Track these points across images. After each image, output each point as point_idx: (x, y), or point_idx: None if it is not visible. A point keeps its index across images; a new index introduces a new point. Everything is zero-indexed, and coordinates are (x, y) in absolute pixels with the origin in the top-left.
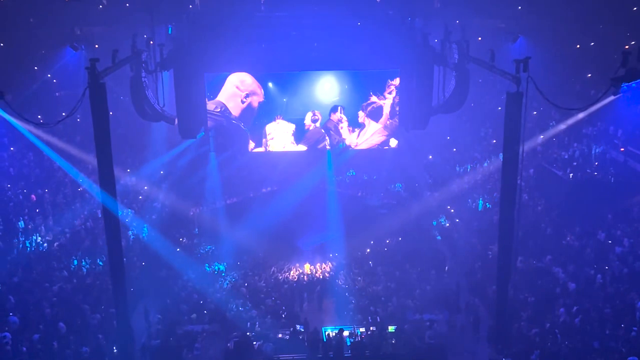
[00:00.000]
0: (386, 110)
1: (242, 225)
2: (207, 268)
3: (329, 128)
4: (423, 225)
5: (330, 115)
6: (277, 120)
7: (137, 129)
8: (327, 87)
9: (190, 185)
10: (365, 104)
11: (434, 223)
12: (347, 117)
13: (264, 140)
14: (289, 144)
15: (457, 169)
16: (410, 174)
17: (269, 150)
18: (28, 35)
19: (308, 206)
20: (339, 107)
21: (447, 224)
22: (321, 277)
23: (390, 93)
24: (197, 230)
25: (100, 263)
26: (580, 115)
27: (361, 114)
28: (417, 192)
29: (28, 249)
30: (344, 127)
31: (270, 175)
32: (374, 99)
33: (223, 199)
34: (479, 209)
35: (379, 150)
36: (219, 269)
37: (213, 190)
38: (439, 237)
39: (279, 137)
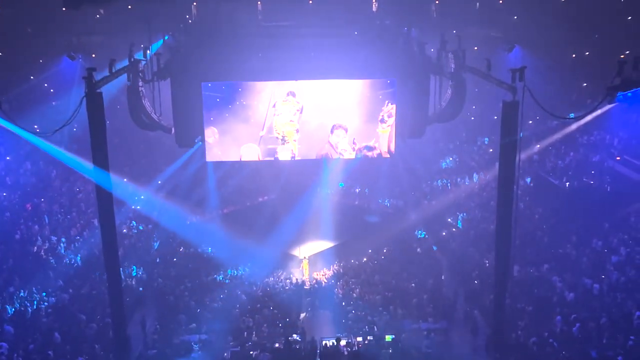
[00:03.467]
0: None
1: (239, 234)
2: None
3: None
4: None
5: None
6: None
7: (137, 138)
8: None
9: (187, 194)
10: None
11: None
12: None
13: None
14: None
15: (457, 179)
16: (407, 183)
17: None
18: (25, 45)
19: (305, 215)
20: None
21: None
22: (317, 286)
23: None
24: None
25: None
26: (577, 124)
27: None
28: (414, 202)
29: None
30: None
31: (268, 185)
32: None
33: (220, 208)
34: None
35: (376, 159)
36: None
37: (210, 200)
38: (435, 248)
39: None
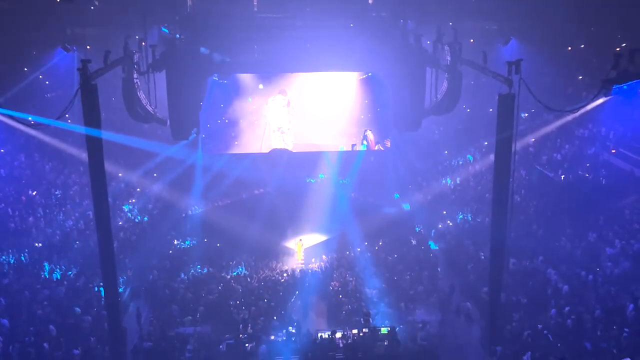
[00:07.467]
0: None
1: (235, 226)
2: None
3: None
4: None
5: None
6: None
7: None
8: None
9: (183, 187)
10: None
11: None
12: None
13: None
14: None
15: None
16: (402, 176)
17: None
18: (19, 37)
19: (301, 208)
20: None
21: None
22: (313, 278)
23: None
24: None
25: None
26: (572, 117)
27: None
28: (410, 195)
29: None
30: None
31: (264, 177)
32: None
33: (217, 201)
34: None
35: (372, 152)
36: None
37: (206, 192)
38: (435, 247)
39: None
